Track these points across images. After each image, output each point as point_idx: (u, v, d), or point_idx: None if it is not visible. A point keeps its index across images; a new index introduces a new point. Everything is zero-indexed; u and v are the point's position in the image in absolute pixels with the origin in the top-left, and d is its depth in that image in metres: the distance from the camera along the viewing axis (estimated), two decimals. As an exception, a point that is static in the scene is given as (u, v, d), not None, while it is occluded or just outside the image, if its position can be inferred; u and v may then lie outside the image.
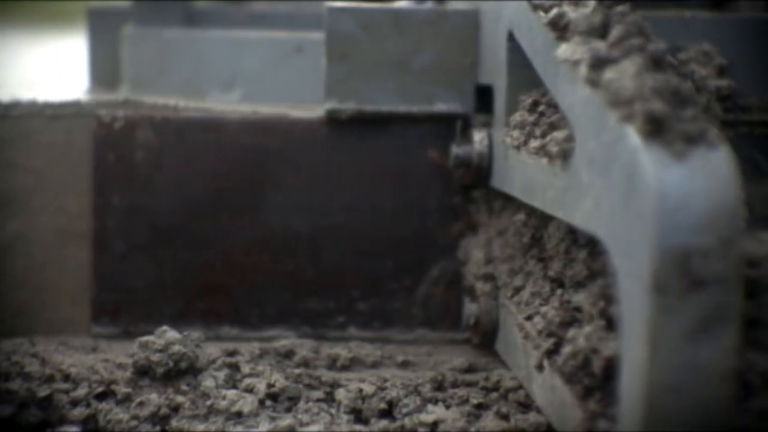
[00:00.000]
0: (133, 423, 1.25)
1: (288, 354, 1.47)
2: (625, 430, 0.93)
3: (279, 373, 1.37)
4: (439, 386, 1.39)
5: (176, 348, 1.33)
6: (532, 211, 1.37)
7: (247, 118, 1.55)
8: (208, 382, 1.32)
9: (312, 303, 1.56)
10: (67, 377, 1.36)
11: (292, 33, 1.74)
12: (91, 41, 2.03)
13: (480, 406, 1.33)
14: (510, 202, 1.45)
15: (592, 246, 1.15)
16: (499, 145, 1.42)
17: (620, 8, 1.10)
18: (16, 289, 1.57)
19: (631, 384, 0.92)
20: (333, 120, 1.53)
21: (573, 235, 1.26)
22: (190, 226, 1.54)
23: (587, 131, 1.03)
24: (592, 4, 1.12)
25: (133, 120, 1.53)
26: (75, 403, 1.29)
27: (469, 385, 1.40)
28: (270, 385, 1.32)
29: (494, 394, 1.36)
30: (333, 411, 1.30)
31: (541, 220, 1.35)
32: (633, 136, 0.92)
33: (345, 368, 1.46)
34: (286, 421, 1.24)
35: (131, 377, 1.34)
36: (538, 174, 1.21)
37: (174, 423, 1.24)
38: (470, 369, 1.45)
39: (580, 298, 1.17)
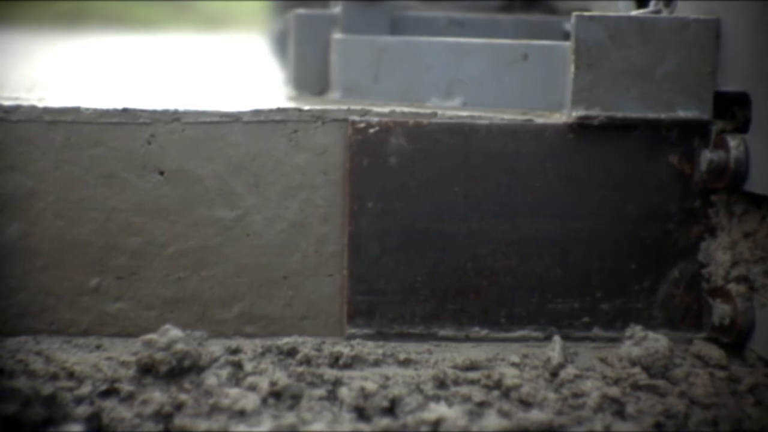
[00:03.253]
0: (137, 421, 1.25)
1: (290, 352, 1.48)
2: None
3: (281, 371, 1.38)
4: (441, 384, 1.39)
5: (179, 346, 1.33)
6: None
7: (495, 123, 1.58)
8: (211, 380, 1.32)
9: (558, 303, 1.60)
10: (71, 375, 1.37)
11: (517, 40, 1.77)
12: (297, 46, 2.05)
13: (482, 404, 1.33)
14: (753, 205, 1.52)
15: None
16: (762, 151, 1.47)
17: None
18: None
19: None
20: (581, 126, 1.57)
21: None
22: (441, 228, 1.58)
23: None
24: None
25: (386, 126, 1.58)
26: (79, 401, 1.30)
27: (471, 382, 1.40)
28: (272, 383, 1.33)
29: (496, 392, 1.37)
30: (335, 409, 1.30)
31: None
32: None
33: (347, 366, 1.46)
34: (289, 419, 1.25)
35: (135, 375, 1.35)
36: None
37: (177, 421, 1.25)
38: (472, 366, 1.46)
39: None
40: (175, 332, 1.35)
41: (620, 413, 1.31)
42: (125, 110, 1.58)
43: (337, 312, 1.60)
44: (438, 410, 1.27)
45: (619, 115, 1.56)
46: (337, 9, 2.02)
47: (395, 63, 1.83)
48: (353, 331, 1.58)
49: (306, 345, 1.49)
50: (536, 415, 1.27)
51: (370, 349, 1.51)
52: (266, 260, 1.60)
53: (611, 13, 1.59)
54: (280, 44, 4.21)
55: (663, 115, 1.56)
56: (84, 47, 4.89)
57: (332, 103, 1.73)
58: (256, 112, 1.59)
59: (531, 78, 1.71)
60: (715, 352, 1.50)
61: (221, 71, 3.15)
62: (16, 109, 1.57)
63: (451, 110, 1.67)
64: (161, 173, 1.58)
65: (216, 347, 1.45)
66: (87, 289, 1.59)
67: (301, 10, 2.08)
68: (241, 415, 1.26)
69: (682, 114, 1.56)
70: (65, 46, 5.05)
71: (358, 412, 1.30)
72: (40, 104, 1.58)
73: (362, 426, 1.26)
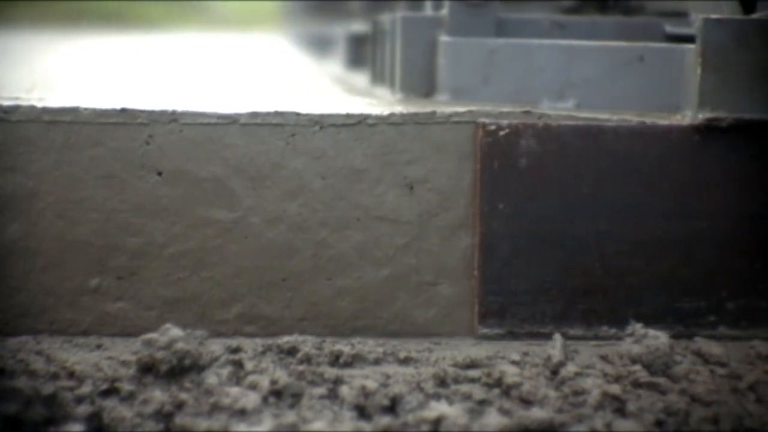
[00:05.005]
0: (137, 420, 1.25)
1: (291, 350, 1.48)
2: None
3: (282, 370, 1.38)
4: (441, 382, 1.39)
5: (180, 345, 1.33)
6: None
7: (623, 125, 1.61)
8: (211, 380, 1.32)
9: (684, 303, 1.62)
10: (71, 375, 1.37)
11: (632, 42, 1.79)
12: (403, 49, 2.07)
13: (482, 403, 1.33)
14: None
15: None
16: None
17: None
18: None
19: None
20: (707, 127, 1.59)
21: None
22: (570, 229, 1.61)
23: None
24: None
25: (517, 128, 1.59)
26: (79, 400, 1.30)
27: (472, 381, 1.40)
28: (273, 382, 1.33)
29: (496, 390, 1.37)
30: (336, 408, 1.30)
31: None
32: None
33: (348, 365, 1.46)
34: (290, 418, 1.25)
35: (135, 375, 1.35)
36: None
37: (178, 420, 1.25)
38: (472, 365, 1.46)
39: None
40: (175, 331, 1.35)
41: (621, 411, 1.31)
42: (123, 110, 1.58)
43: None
44: (438, 408, 1.27)
45: (746, 116, 1.58)
46: (443, 11, 2.03)
47: (506, 65, 1.86)
48: (485, 331, 1.61)
49: (306, 344, 1.49)
50: (537, 413, 1.27)
51: (371, 347, 1.51)
52: (265, 262, 1.60)
53: (737, 16, 1.61)
54: (320, 45, 4.29)
55: None
56: (91, 47, 4.90)
57: (444, 105, 1.75)
58: (253, 115, 1.59)
59: (646, 80, 1.73)
60: (715, 350, 1.51)
61: (280, 73, 3.16)
62: (16, 109, 1.57)
63: (568, 112, 1.69)
64: (159, 174, 1.58)
65: (216, 346, 1.45)
66: (87, 289, 1.59)
67: (406, 13, 2.11)
68: (242, 414, 1.26)
69: None
70: (66, 46, 5.05)
71: (358, 410, 1.30)
72: (40, 104, 1.58)
73: (363, 424, 1.26)
